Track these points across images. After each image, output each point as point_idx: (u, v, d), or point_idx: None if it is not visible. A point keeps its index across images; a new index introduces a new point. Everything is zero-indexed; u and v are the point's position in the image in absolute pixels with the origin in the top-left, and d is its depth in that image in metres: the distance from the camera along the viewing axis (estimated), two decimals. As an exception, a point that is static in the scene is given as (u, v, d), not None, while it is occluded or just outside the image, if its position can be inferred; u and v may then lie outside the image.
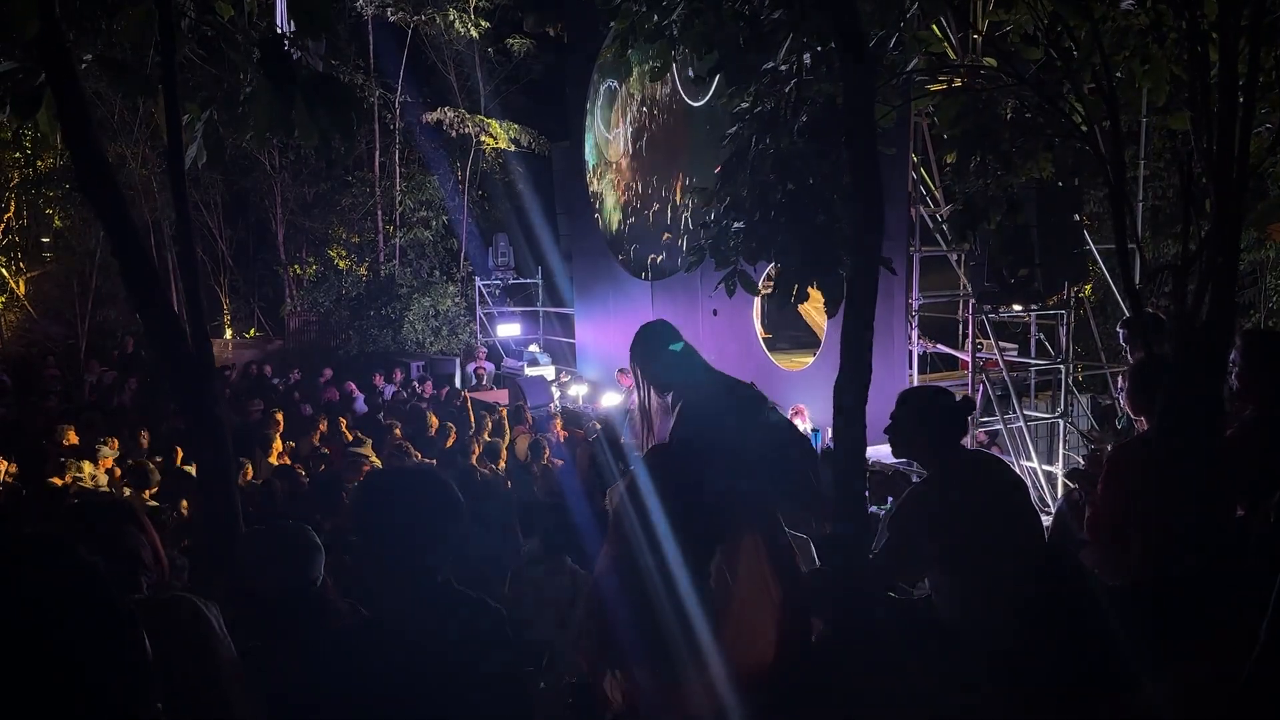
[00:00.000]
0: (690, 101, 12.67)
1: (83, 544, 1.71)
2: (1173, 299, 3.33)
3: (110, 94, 14.36)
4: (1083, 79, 3.60)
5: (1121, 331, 5.81)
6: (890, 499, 7.57)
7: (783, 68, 3.58)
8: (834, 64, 3.43)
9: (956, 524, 2.86)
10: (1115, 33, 3.83)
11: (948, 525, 2.87)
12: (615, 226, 14.71)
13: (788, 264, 3.40)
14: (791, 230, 3.32)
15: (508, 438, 9.34)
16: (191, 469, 7.23)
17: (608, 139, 14.88)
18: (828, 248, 3.32)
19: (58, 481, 6.93)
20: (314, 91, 3.00)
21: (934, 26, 4.29)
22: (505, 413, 10.46)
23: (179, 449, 7.56)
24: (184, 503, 6.62)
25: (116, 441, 8.03)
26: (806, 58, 3.50)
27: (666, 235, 13.25)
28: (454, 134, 16.57)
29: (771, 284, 3.75)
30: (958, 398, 3.09)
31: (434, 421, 9.64)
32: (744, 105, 3.70)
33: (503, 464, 8.37)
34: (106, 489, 7.28)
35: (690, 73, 11.73)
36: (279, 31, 2.99)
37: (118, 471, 7.58)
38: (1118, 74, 3.72)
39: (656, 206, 13.67)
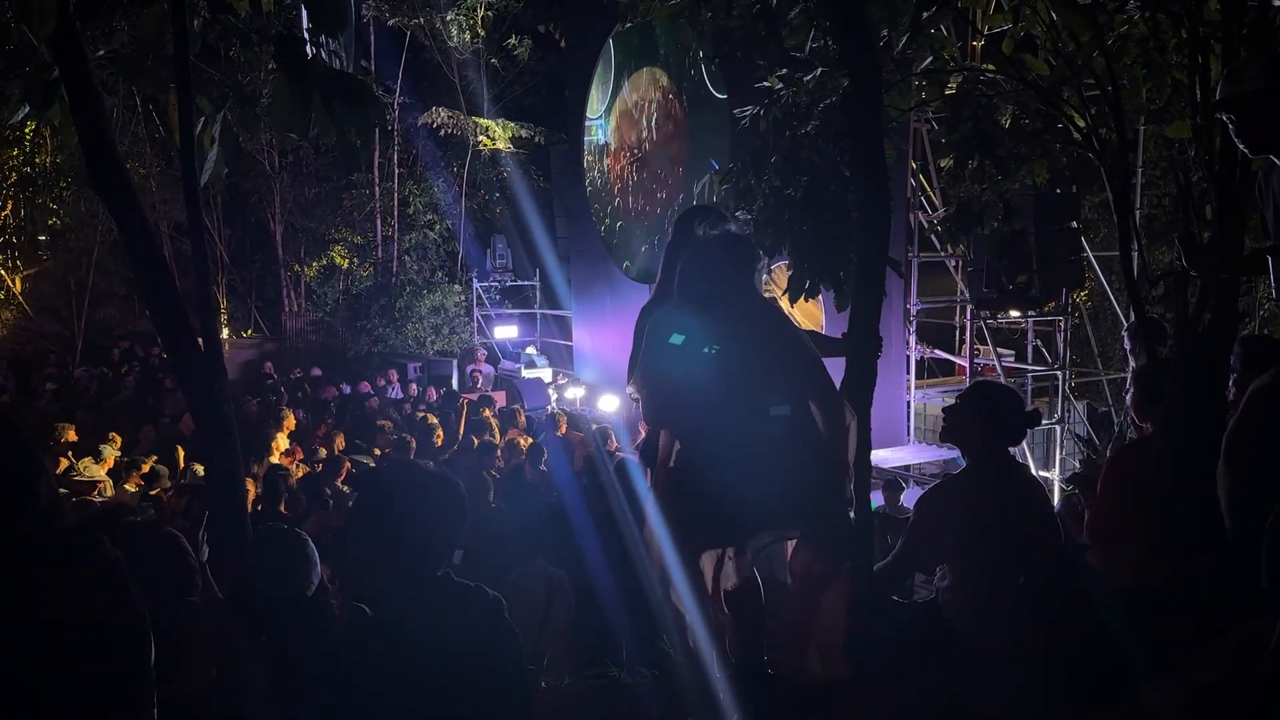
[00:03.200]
0: (716, 93, 12.44)
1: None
2: (1175, 305, 3.35)
3: (105, 95, 14.29)
4: (1084, 84, 3.62)
5: (1125, 337, 5.83)
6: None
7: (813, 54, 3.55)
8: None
9: (979, 521, 2.88)
10: (1117, 40, 3.86)
11: (970, 519, 2.89)
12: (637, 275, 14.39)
13: (802, 261, 3.40)
14: (807, 226, 3.32)
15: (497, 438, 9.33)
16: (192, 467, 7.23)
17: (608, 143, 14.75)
18: (840, 245, 3.32)
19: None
20: (331, 89, 3.01)
21: (936, 30, 4.31)
22: (489, 413, 10.43)
23: (180, 449, 7.54)
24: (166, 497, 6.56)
25: (120, 439, 8.01)
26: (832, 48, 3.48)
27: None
28: (446, 135, 16.50)
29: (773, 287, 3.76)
30: (1029, 407, 3.09)
31: (432, 420, 9.65)
32: (768, 84, 3.68)
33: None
34: (107, 486, 7.27)
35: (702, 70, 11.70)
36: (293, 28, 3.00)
37: (105, 480, 7.53)
38: (1121, 81, 3.75)
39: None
